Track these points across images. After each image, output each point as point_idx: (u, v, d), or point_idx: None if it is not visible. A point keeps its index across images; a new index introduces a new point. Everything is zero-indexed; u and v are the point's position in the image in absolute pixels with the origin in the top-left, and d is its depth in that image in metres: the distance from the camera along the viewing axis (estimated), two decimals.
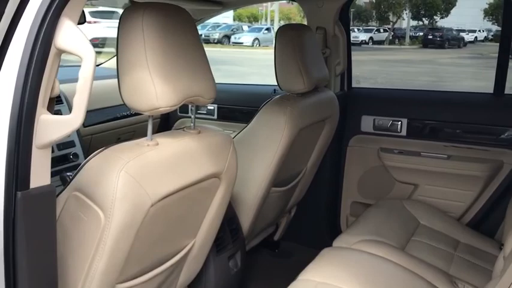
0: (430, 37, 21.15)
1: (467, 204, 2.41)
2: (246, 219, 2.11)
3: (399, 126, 2.55)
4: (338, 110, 2.39)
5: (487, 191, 2.37)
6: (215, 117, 3.01)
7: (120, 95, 1.25)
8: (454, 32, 21.78)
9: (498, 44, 2.39)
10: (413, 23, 24.13)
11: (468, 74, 13.01)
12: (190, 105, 1.44)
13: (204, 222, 1.57)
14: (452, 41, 21.03)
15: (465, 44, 21.55)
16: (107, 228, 1.18)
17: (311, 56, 2.09)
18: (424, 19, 24.51)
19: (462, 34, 22.06)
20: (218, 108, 2.99)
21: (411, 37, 22.86)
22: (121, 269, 1.29)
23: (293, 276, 1.98)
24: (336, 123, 2.40)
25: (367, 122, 2.62)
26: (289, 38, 2.02)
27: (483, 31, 23.73)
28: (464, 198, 2.42)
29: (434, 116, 2.49)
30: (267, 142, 2.01)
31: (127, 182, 1.17)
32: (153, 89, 1.21)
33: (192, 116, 1.48)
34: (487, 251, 2.12)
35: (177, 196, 1.33)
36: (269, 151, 2.01)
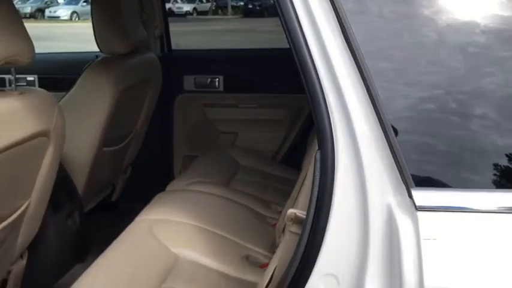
0: (250, 6, 22.16)
1: (277, 145, 2.85)
2: (80, 180, 2.19)
3: (217, 83, 2.86)
4: (160, 71, 2.58)
5: (292, 131, 2.82)
6: (36, 88, 2.95)
7: None
8: (272, 1, 23.11)
9: None
10: None
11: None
12: (11, 68, 1.46)
13: (38, 182, 1.60)
14: (271, 9, 22.31)
15: None
16: None
17: (129, 16, 2.22)
18: None
19: None
20: (39, 78, 2.92)
21: (233, 7, 23.68)
22: None
23: None
24: (160, 84, 2.60)
25: (189, 81, 2.87)
26: None
27: None
28: (275, 140, 2.84)
29: (244, 71, 2.84)
30: (93, 104, 2.11)
31: None
32: None
33: (13, 77, 1.48)
34: (295, 179, 2.57)
35: (3, 156, 1.34)
36: (96, 113, 2.11)
